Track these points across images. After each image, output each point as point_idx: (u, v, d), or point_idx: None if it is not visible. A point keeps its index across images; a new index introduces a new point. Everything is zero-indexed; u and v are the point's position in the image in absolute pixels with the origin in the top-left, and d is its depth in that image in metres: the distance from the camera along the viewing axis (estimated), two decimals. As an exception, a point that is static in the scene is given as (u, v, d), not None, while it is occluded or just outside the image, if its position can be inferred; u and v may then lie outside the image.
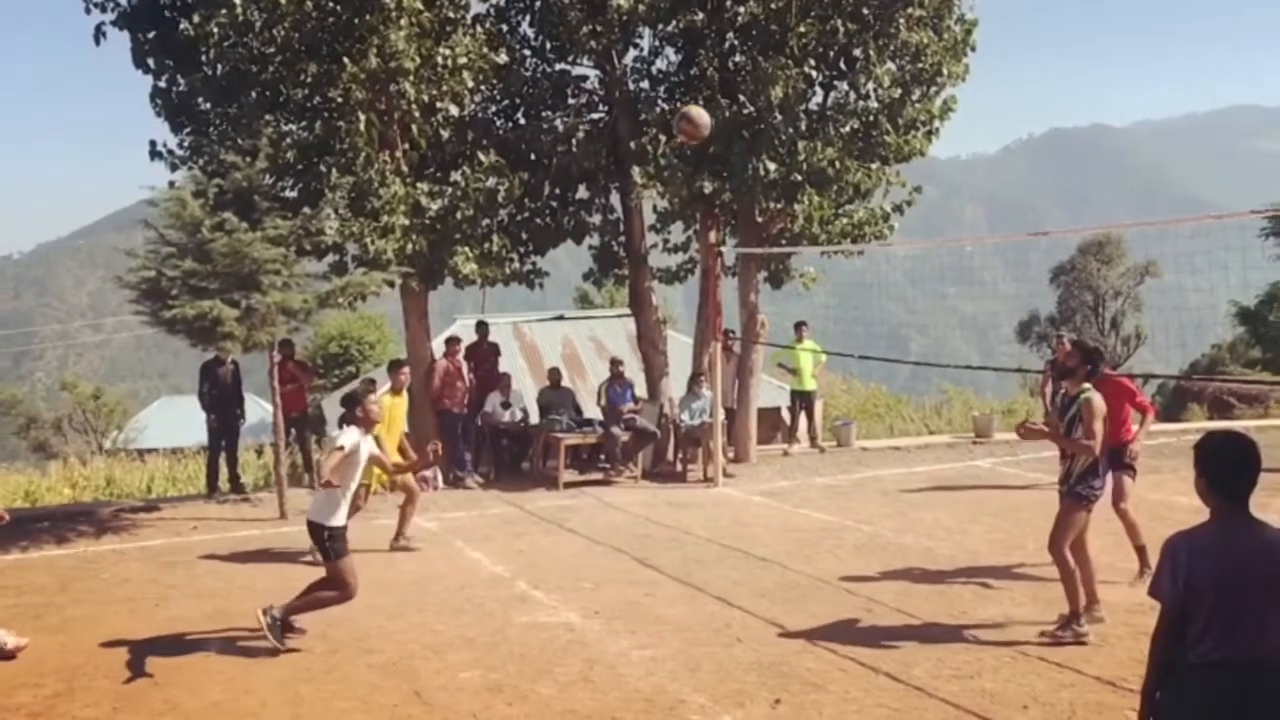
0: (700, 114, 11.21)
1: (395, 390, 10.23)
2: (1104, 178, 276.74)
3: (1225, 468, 3.40)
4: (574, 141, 13.67)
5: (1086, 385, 6.57)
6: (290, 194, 12.47)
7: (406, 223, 12.28)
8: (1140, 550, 7.71)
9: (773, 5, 12.89)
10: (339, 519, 6.70)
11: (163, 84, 12.52)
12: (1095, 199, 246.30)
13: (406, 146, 12.90)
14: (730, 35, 13.47)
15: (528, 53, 14.52)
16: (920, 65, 13.43)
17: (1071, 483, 6.57)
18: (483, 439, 13.94)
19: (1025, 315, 43.53)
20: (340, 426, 7.03)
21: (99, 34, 12.21)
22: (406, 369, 10.83)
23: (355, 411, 6.93)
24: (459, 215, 12.65)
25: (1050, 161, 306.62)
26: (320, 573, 7.02)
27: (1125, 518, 7.84)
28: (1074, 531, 6.58)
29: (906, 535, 9.81)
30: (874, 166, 13.71)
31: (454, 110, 13.08)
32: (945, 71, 13.55)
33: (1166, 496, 10.11)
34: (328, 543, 6.66)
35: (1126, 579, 7.62)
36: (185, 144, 12.59)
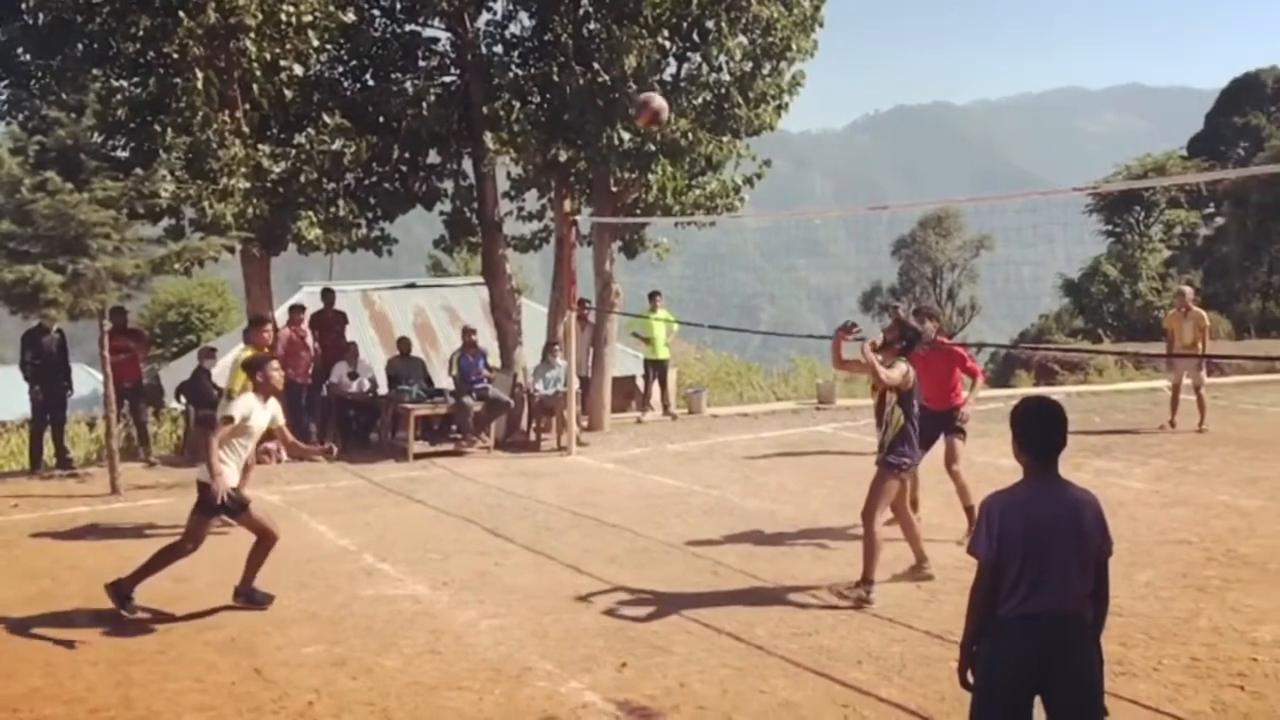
0: (650, 98, 10.82)
1: (257, 349, 9.96)
2: (945, 154, 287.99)
3: (1034, 430, 3.63)
4: (424, 105, 13.39)
5: (901, 359, 6.87)
6: (122, 154, 11.90)
7: (247, 185, 11.85)
8: (969, 510, 8.10)
9: (626, -26, 12.89)
10: (231, 481, 6.69)
11: (-24, 32, 11.69)
12: (936, 174, 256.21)
13: (247, 106, 12.40)
14: (584, 2, 13.40)
15: (377, 12, 14.13)
16: (770, 39, 13.67)
17: (884, 453, 6.86)
18: (328, 410, 13.60)
19: (869, 286, 45.20)
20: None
21: (-99, -26, 11.28)
22: (270, 327, 10.52)
23: (255, 377, 7.06)
24: (303, 178, 12.30)
25: (895, 137, 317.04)
26: (161, 541, 6.92)
27: (957, 479, 8.23)
28: (886, 499, 6.85)
29: (751, 499, 10.09)
30: (725, 139, 13.91)
31: (298, 70, 12.64)
32: (794, 46, 13.84)
33: (993, 459, 10.65)
34: (227, 500, 6.61)
35: (956, 537, 8.03)
36: (2, 97, 11.81)
